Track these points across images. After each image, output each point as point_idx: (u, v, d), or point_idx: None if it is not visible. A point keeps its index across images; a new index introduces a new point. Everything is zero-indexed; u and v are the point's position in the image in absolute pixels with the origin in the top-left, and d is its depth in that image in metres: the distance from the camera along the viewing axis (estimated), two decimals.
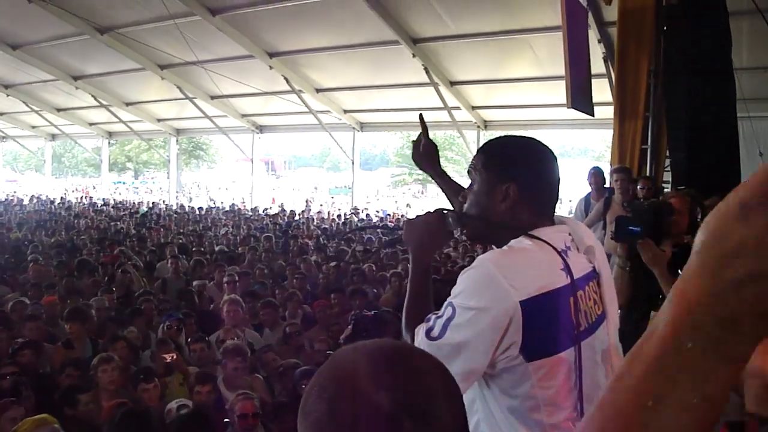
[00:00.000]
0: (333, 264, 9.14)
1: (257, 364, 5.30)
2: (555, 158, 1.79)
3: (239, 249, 11.27)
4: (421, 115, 2.42)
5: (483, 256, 1.60)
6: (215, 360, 5.24)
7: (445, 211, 1.90)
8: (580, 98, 8.92)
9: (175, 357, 4.94)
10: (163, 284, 8.28)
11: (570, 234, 1.74)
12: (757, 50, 9.40)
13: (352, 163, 21.74)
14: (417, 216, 1.93)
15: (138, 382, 4.53)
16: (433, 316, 1.61)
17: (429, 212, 1.90)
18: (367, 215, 21.25)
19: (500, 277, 1.51)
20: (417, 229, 1.86)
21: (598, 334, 1.70)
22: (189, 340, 5.56)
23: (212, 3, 13.61)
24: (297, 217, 19.54)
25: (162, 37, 15.04)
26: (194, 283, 8.17)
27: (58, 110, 23.71)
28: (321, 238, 13.41)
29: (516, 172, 1.71)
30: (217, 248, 11.57)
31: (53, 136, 28.86)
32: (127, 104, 21.66)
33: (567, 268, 1.60)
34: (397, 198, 44.39)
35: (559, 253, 1.61)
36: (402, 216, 21.97)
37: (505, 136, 1.97)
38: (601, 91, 10.61)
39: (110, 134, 27.03)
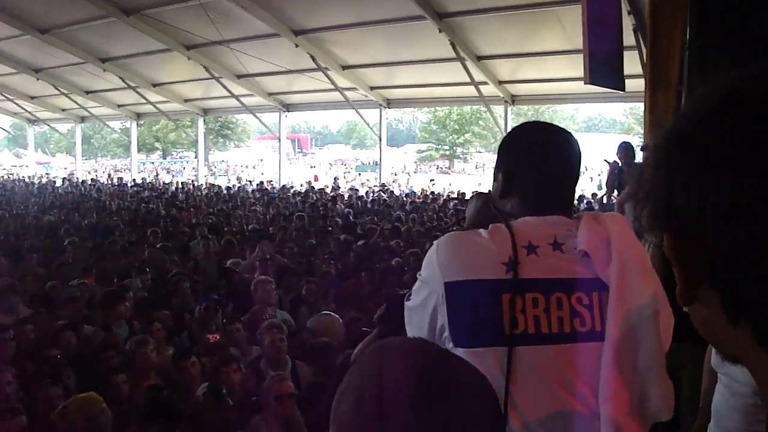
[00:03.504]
0: (362, 242, 9.11)
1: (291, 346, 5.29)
2: (563, 149, 1.68)
3: (270, 228, 11.29)
4: None
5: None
6: (250, 340, 5.27)
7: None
8: (607, 72, 8.67)
9: (218, 337, 4.99)
10: (195, 264, 8.35)
11: (571, 231, 1.57)
12: None
13: (380, 139, 21.66)
14: (477, 193, 1.97)
15: (178, 360, 4.61)
16: None
17: (483, 192, 1.93)
18: (392, 193, 20.90)
19: (436, 258, 1.58)
20: (470, 207, 1.90)
21: (567, 349, 1.50)
22: (225, 321, 5.59)
23: None
24: (325, 195, 19.50)
25: (187, 18, 15.06)
26: (228, 261, 8.21)
27: (87, 93, 23.95)
28: (350, 216, 13.41)
29: (505, 160, 1.74)
30: (249, 227, 11.59)
31: (82, 119, 29.18)
32: (154, 85, 21.80)
33: (512, 264, 1.49)
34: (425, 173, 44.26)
35: (515, 247, 1.51)
36: (430, 192, 21.79)
37: (525, 123, 1.90)
38: (631, 63, 10.35)
39: (138, 115, 27.25)
